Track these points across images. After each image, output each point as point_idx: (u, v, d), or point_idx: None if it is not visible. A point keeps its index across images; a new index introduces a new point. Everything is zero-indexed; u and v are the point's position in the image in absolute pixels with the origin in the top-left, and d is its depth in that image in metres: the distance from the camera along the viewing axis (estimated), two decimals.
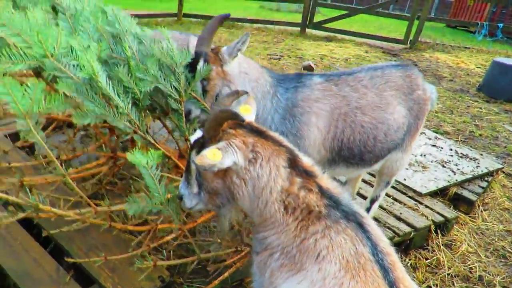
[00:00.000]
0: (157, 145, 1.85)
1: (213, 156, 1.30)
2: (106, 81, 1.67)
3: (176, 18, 11.81)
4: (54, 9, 2.23)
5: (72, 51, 1.72)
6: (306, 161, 1.49)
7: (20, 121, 1.48)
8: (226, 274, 1.98)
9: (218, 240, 2.28)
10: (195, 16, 12.18)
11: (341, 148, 2.40)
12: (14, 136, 3.20)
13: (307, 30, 11.91)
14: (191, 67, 2.06)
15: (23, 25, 1.68)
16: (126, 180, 3.06)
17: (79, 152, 2.24)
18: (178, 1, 11.56)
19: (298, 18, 12.44)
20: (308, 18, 11.73)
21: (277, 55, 9.11)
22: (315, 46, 10.41)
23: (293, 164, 1.42)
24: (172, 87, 1.93)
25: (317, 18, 12.14)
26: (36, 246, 2.08)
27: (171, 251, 2.45)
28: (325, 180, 1.48)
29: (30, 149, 3.24)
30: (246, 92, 1.68)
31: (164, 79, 1.91)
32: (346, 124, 2.34)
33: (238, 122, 1.45)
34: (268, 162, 1.39)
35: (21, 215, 1.57)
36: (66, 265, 1.99)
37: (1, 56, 1.58)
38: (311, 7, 11.61)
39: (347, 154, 2.44)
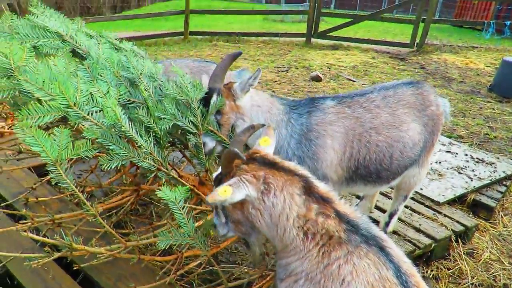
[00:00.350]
0: (179, 180, 1.93)
1: (224, 193, 1.40)
2: (129, 124, 1.75)
3: (182, 36, 12.02)
4: (75, 53, 2.35)
5: (93, 99, 1.83)
6: (322, 187, 1.55)
7: (51, 168, 1.57)
8: None
9: (245, 269, 2.33)
10: (201, 33, 12.40)
11: (358, 167, 2.45)
12: (39, 169, 3.33)
13: (313, 39, 12.01)
14: (205, 101, 2.15)
15: (45, 77, 1.79)
16: (148, 206, 3.15)
17: (105, 185, 2.33)
18: (184, 20, 11.79)
19: (303, 28, 12.57)
20: (313, 27, 11.84)
21: (284, 67, 9.21)
22: (321, 56, 10.49)
23: (309, 191, 1.49)
24: (190, 122, 2.02)
25: (322, 27, 12.24)
26: (68, 279, 2.17)
27: (196, 276, 2.51)
28: (342, 205, 1.53)
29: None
30: (263, 125, 1.78)
31: (182, 115, 1.99)
32: (361, 144, 2.40)
33: (252, 156, 1.54)
34: (281, 191, 1.47)
35: (57, 254, 1.65)
36: None
37: (29, 112, 1.68)
38: (315, 16, 11.73)
39: (364, 172, 2.48)
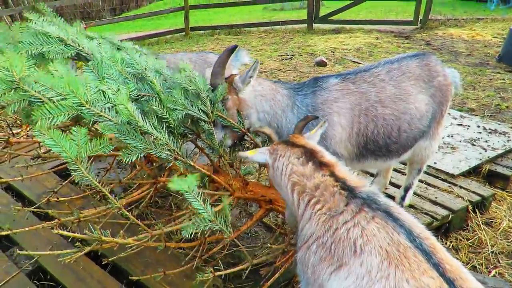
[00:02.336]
0: (197, 166, 1.99)
1: (251, 153, 1.85)
2: (142, 118, 1.80)
3: (184, 33, 12.04)
4: (79, 57, 2.39)
5: (104, 96, 1.87)
6: (325, 157, 1.69)
7: (72, 167, 1.62)
8: (276, 276, 2.09)
9: (268, 244, 2.40)
10: (202, 28, 12.40)
11: (367, 142, 2.48)
12: (61, 171, 3.42)
13: (314, 25, 11.91)
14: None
15: (51, 80, 1.83)
16: (166, 198, 3.23)
17: (125, 181, 2.40)
18: (184, 16, 11.80)
19: (303, 15, 12.47)
20: (314, 13, 11.74)
21: (288, 55, 9.18)
22: (324, 40, 10.41)
23: (309, 157, 1.67)
24: (200, 110, 2.06)
25: (322, 12, 12.13)
26: (98, 269, 2.26)
27: (219, 260, 2.58)
28: (343, 171, 1.61)
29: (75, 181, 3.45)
30: (316, 117, 2.08)
31: (192, 105, 2.04)
32: (368, 118, 2.42)
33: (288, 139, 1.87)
34: (283, 157, 1.74)
35: (87, 248, 1.73)
36: (126, 283, 2.15)
37: (42, 113, 1.72)
38: (315, 2, 11.62)
39: (373, 147, 2.51)
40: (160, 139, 1.86)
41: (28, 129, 3.74)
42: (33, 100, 1.84)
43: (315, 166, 1.62)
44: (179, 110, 2.04)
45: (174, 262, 2.23)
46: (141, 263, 2.28)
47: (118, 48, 2.71)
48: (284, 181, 1.70)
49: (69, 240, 2.41)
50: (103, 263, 2.11)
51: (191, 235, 1.69)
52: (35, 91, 1.79)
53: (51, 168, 3.13)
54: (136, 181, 2.38)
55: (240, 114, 2.31)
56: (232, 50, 2.29)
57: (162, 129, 1.93)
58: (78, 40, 2.42)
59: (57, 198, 2.62)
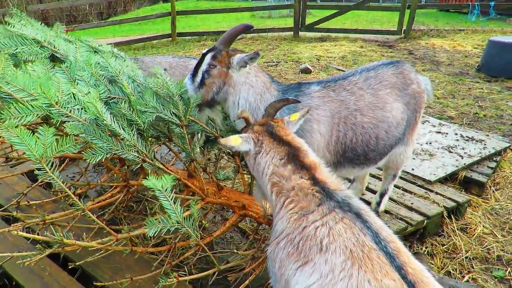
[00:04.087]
0: (165, 169, 1.96)
1: (235, 141, 1.80)
2: (110, 119, 1.79)
3: (170, 38, 12.02)
4: (54, 58, 2.38)
5: (74, 98, 1.86)
6: (308, 158, 1.70)
7: (37, 165, 1.59)
8: (246, 282, 2.07)
9: (235, 250, 2.37)
10: (189, 34, 12.41)
11: (345, 150, 2.49)
12: (31, 174, 3.35)
13: (300, 33, 12.04)
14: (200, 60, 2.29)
15: (26, 80, 1.82)
16: (141, 203, 3.18)
17: (93, 184, 2.36)
18: (171, 22, 11.79)
19: (290, 23, 12.60)
20: (300, 21, 11.87)
21: (273, 62, 9.24)
22: (310, 48, 10.52)
23: (291, 158, 1.69)
24: (172, 114, 2.05)
25: (309, 20, 12.28)
26: (65, 276, 2.20)
27: (192, 266, 2.55)
28: (323, 174, 1.64)
29: (47, 184, 3.38)
30: (297, 101, 2.14)
31: (164, 108, 2.03)
32: (347, 127, 2.43)
33: (267, 122, 1.88)
34: (266, 155, 1.76)
35: (48, 251, 1.68)
36: None
37: (11, 113, 1.70)
38: (301, 10, 11.76)
39: (352, 155, 2.52)
40: (128, 140, 1.83)
41: None
42: (5, 97, 1.82)
43: (295, 168, 1.65)
44: (150, 112, 2.02)
45: (145, 268, 2.19)
46: (110, 268, 2.23)
47: (95, 51, 2.69)
48: (264, 179, 1.74)
49: (36, 245, 2.34)
50: (69, 267, 2.05)
51: (156, 236, 1.67)
52: (11, 91, 1.77)
53: (22, 172, 3.06)
54: (106, 184, 2.34)
55: (221, 88, 2.29)
56: (247, 27, 2.34)
57: (131, 131, 1.91)
58: (54, 42, 2.41)
59: (28, 202, 2.56)
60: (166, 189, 1.72)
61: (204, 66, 2.27)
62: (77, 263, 1.96)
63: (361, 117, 2.46)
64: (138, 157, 1.85)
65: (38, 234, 2.24)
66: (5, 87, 1.80)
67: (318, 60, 9.32)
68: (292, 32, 12.08)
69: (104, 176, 2.54)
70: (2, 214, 2.39)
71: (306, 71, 8.24)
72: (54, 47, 2.39)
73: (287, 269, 1.49)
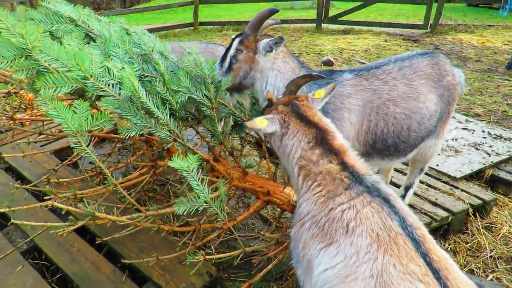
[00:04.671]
0: (195, 150, 1.97)
1: (261, 123, 1.75)
2: (148, 96, 1.80)
3: (192, 27, 12.04)
4: (88, 36, 2.41)
5: (109, 72, 1.88)
6: (337, 142, 1.68)
7: (72, 139, 1.62)
8: (269, 267, 2.08)
9: (262, 233, 2.38)
10: (211, 23, 12.40)
11: (375, 141, 2.45)
12: (59, 154, 3.44)
13: (323, 25, 11.87)
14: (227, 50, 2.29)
15: (60, 51, 1.84)
16: (165, 186, 3.23)
17: (122, 162, 2.40)
18: (193, 11, 11.80)
19: (313, 15, 12.42)
20: (323, 13, 11.69)
21: (295, 53, 9.15)
22: (332, 41, 10.37)
23: (320, 141, 1.66)
24: (204, 95, 2.05)
25: (332, 12, 12.07)
26: (92, 251, 2.26)
27: (214, 249, 2.57)
28: (352, 158, 1.62)
29: (74, 165, 3.46)
30: (321, 77, 2.01)
31: (196, 89, 2.03)
32: (379, 117, 2.39)
33: (292, 101, 1.82)
34: (294, 137, 1.72)
35: (80, 222, 1.72)
36: (120, 267, 2.14)
37: (46, 82, 1.73)
38: (324, 2, 11.57)
39: (382, 146, 2.48)
40: (161, 119, 1.85)
41: (31, 112, 3.75)
42: (42, 70, 1.86)
43: (323, 152, 1.63)
44: (182, 92, 2.03)
45: (169, 248, 2.23)
46: (136, 247, 2.27)
47: (127, 33, 2.72)
48: (291, 162, 1.73)
49: (65, 220, 2.41)
50: (97, 243, 2.10)
51: (181, 218, 1.68)
52: (45, 61, 1.80)
53: (50, 150, 3.13)
54: (134, 163, 2.37)
55: (247, 73, 2.30)
56: (273, 11, 2.32)
57: (164, 109, 1.93)
58: (88, 22, 2.43)
59: (57, 179, 2.62)
60: (192, 170, 1.73)
61: (231, 51, 2.29)
62: (104, 239, 2.00)
63: (393, 107, 2.40)
64: (170, 136, 1.87)
65: (68, 212, 2.32)
66: (39, 55, 1.82)
67: (341, 52, 9.18)
68: (314, 24, 11.92)
69: (132, 157, 2.58)
70: (32, 189, 2.45)
71: (328, 63, 8.13)
72: (88, 26, 2.41)
73: (311, 249, 1.49)
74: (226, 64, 2.29)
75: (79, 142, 1.65)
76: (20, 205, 2.36)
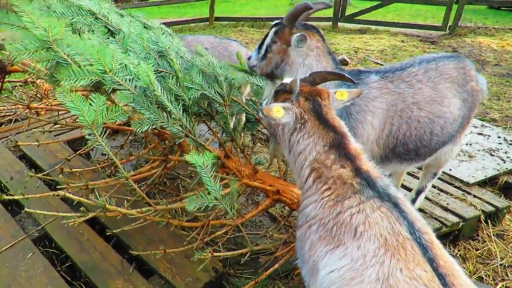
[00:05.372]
0: (206, 146, 1.98)
1: (277, 113, 1.66)
2: (162, 91, 1.82)
3: (208, 22, 12.06)
4: (106, 29, 2.44)
5: (126, 68, 1.91)
6: (352, 148, 1.63)
7: (87, 131, 1.65)
8: (276, 266, 2.08)
9: (270, 232, 2.39)
10: (226, 19, 12.40)
11: (396, 144, 2.42)
12: (72, 144, 3.49)
13: (339, 23, 11.76)
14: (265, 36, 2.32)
15: (84, 46, 1.88)
16: (175, 180, 3.25)
17: (134, 154, 2.43)
18: (209, 6, 11.81)
19: (329, 13, 12.32)
20: (340, 11, 11.58)
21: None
22: (348, 40, 10.27)
23: (335, 147, 1.61)
24: (216, 92, 2.06)
25: (349, 11, 11.96)
26: (101, 242, 2.29)
27: (221, 245, 2.59)
28: (365, 164, 1.59)
29: (86, 155, 3.51)
30: (352, 81, 1.86)
31: (208, 86, 2.04)
32: (402, 120, 2.35)
33: (313, 95, 1.72)
34: (309, 137, 1.66)
35: (91, 214, 1.75)
36: (128, 258, 2.18)
37: (68, 73, 1.77)
38: (341, 0, 11.46)
39: (402, 150, 2.44)
40: (174, 114, 1.87)
41: (47, 101, 3.82)
42: (61, 61, 1.90)
43: (339, 158, 1.59)
44: (195, 89, 2.05)
45: (177, 242, 2.25)
46: (144, 240, 2.30)
47: (145, 27, 2.75)
48: (301, 161, 1.68)
49: (76, 210, 2.45)
50: (107, 234, 2.13)
51: (190, 214, 1.70)
52: (64, 53, 1.85)
53: (64, 140, 3.19)
54: (147, 157, 2.40)
55: (279, 64, 2.30)
56: (307, 7, 2.25)
57: (178, 105, 1.94)
58: (108, 15, 2.46)
59: (70, 169, 2.66)
60: (207, 166, 1.74)
61: (267, 40, 2.29)
62: (114, 231, 2.03)
63: (418, 111, 2.35)
64: (182, 131, 1.88)
65: (79, 203, 2.36)
66: (65, 49, 1.87)
67: (356, 52, 9.09)
68: (330, 22, 11.81)
69: (144, 150, 2.60)
70: (45, 178, 2.50)
71: (343, 62, 8.03)
72: (108, 19, 2.44)
73: (317, 251, 1.49)
74: (263, 51, 2.30)
75: (93, 133, 1.67)
76: (33, 193, 2.41)
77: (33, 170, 3.14)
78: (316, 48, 2.29)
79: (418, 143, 2.42)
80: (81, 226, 2.39)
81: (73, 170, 2.62)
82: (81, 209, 1.77)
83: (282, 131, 1.75)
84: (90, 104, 1.71)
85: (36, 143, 2.57)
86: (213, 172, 1.75)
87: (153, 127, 1.80)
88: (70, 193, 2.05)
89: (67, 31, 2.07)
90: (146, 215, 1.83)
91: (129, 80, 1.86)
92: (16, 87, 5.47)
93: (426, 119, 2.37)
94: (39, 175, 2.43)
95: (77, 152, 2.91)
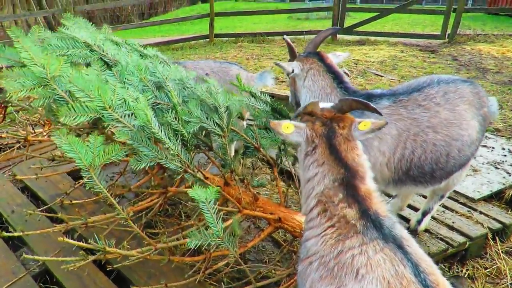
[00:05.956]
0: (205, 181, 1.97)
1: (286, 129, 1.62)
2: (160, 127, 1.82)
3: (208, 39, 12.20)
4: (105, 63, 2.45)
5: (125, 103, 1.90)
6: (364, 186, 1.56)
7: (85, 173, 1.64)
8: None
9: (273, 269, 2.36)
10: (226, 35, 12.55)
11: (410, 167, 2.37)
12: (74, 173, 3.49)
13: (338, 35, 11.84)
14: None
15: (84, 82, 1.89)
16: (176, 206, 3.23)
17: (134, 186, 2.42)
18: (209, 23, 11.96)
19: (328, 25, 12.42)
20: (338, 23, 11.67)
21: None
22: (348, 51, 10.30)
23: (344, 185, 1.55)
24: (216, 124, 2.05)
25: (347, 23, 12.04)
26: (102, 277, 2.27)
27: (224, 274, 2.55)
28: (376, 203, 1.54)
29: None
30: (378, 113, 1.75)
31: (207, 118, 2.04)
32: (416, 144, 2.30)
33: (331, 124, 1.64)
34: (319, 167, 1.60)
35: (91, 258, 1.74)
36: None
37: (68, 111, 1.77)
38: (340, 12, 11.55)
39: (417, 173, 2.40)
40: (172, 150, 1.86)
41: (49, 128, 3.84)
42: (58, 99, 1.91)
43: (346, 198, 1.53)
44: (194, 122, 2.04)
45: (178, 275, 2.22)
46: (145, 273, 2.28)
47: (141, 55, 2.76)
48: (310, 190, 1.62)
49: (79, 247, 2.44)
50: (107, 269, 2.11)
51: (196, 247, 1.68)
52: (62, 91, 1.86)
53: (66, 171, 3.19)
54: (146, 190, 2.39)
55: (294, 93, 2.63)
56: (335, 30, 2.58)
57: (176, 140, 1.94)
58: (103, 46, 2.48)
59: (70, 201, 2.66)
60: (210, 202, 1.72)
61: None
62: (114, 266, 2.01)
63: (433, 134, 2.29)
64: (180, 167, 1.87)
65: (80, 235, 2.34)
66: (67, 85, 1.87)
67: (356, 64, 9.12)
68: (330, 35, 11.89)
69: (143, 178, 2.60)
70: (46, 215, 2.49)
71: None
72: (103, 50, 2.45)
73: None
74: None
75: (91, 177, 1.67)
76: (34, 227, 2.41)
77: (35, 203, 3.14)
78: (310, 69, 2.45)
79: (434, 166, 2.37)
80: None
81: (74, 202, 2.61)
82: (80, 253, 1.76)
83: (300, 151, 1.71)
84: (88, 146, 1.70)
85: (34, 176, 2.57)
86: (216, 208, 1.73)
87: (151, 164, 1.79)
88: (70, 229, 2.05)
89: (66, 66, 2.09)
90: (147, 255, 1.82)
91: (128, 116, 1.86)
92: (19, 112, 5.52)
93: (442, 142, 2.31)
94: (38, 212, 2.41)
95: (77, 185, 2.90)
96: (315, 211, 1.61)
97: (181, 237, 2.12)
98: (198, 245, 1.66)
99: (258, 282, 2.21)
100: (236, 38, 12.33)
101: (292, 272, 2.15)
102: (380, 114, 1.78)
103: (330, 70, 2.46)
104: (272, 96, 2.87)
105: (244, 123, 2.54)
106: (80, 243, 1.71)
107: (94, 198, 2.75)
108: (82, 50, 2.41)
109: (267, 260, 2.78)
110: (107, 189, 1.75)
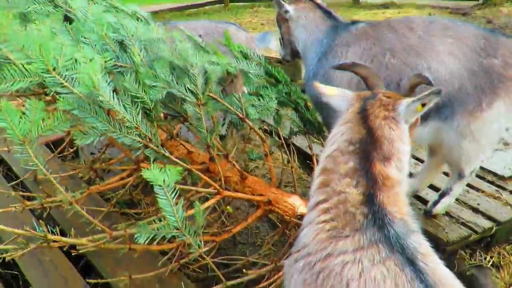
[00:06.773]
0: (172, 158, 1.65)
1: (329, 90, 1.47)
2: (111, 94, 1.50)
3: (223, 4, 11.68)
4: (68, 19, 2.13)
5: (77, 64, 1.59)
6: (380, 166, 1.20)
7: (19, 148, 1.37)
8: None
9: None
10: (242, 0, 11.89)
11: None
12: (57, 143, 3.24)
13: None
14: None
15: (26, 40, 1.58)
16: None
17: (107, 166, 2.16)
18: None
19: None
20: None
21: None
22: (370, 16, 9.61)
23: (359, 151, 1.23)
24: (187, 90, 1.71)
25: None
26: (65, 262, 2.04)
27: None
28: (391, 197, 1.17)
29: (75, 154, 3.24)
30: (430, 83, 1.55)
31: (177, 82, 1.70)
32: (372, 65, 2.25)
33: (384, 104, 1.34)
34: (339, 126, 1.35)
35: (32, 246, 1.50)
36: (95, 284, 1.92)
37: (4, 74, 1.49)
38: None
39: None
40: (129, 121, 1.54)
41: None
42: (2, 61, 1.61)
43: (356, 170, 1.22)
44: (160, 87, 1.70)
45: (148, 263, 1.95)
46: (114, 259, 2.01)
47: (117, 11, 2.42)
48: (324, 151, 1.35)
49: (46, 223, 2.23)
50: (73, 254, 1.87)
51: (148, 239, 1.40)
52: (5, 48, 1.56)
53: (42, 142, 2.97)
54: (114, 168, 2.12)
55: (291, 39, 2.67)
56: None
57: (136, 108, 1.62)
58: (70, 2, 2.15)
59: (45, 175, 2.42)
60: (168, 185, 1.43)
61: (278, 30, 2.81)
62: (80, 251, 1.76)
63: (390, 57, 2.23)
64: (138, 141, 1.56)
65: (49, 213, 2.12)
66: (1, 45, 1.57)
67: None
68: None
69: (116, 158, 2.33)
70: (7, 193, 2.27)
71: None
72: (69, 6, 2.13)
73: None
74: (281, 41, 2.73)
75: (26, 151, 1.39)
76: (4, 204, 2.21)
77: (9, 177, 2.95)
78: (303, 8, 2.54)
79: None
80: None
81: (47, 176, 2.36)
82: (18, 241, 1.52)
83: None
84: (24, 113, 1.42)
85: (6, 149, 2.35)
86: (176, 193, 1.43)
87: (101, 138, 1.49)
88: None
89: (15, 24, 1.78)
90: (101, 243, 1.54)
91: (77, 80, 1.55)
92: None
93: (396, 68, 2.21)
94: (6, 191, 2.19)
95: (50, 157, 2.67)
96: (316, 182, 1.28)
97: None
98: (149, 239, 1.37)
99: (245, 268, 1.95)
100: (252, 2, 11.72)
101: (280, 263, 1.85)
102: (431, 84, 1.55)
103: (319, 6, 2.60)
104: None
105: (245, 89, 2.21)
106: (16, 230, 1.47)
107: (71, 173, 2.51)
108: (44, 6, 2.09)
109: (260, 243, 2.51)
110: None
